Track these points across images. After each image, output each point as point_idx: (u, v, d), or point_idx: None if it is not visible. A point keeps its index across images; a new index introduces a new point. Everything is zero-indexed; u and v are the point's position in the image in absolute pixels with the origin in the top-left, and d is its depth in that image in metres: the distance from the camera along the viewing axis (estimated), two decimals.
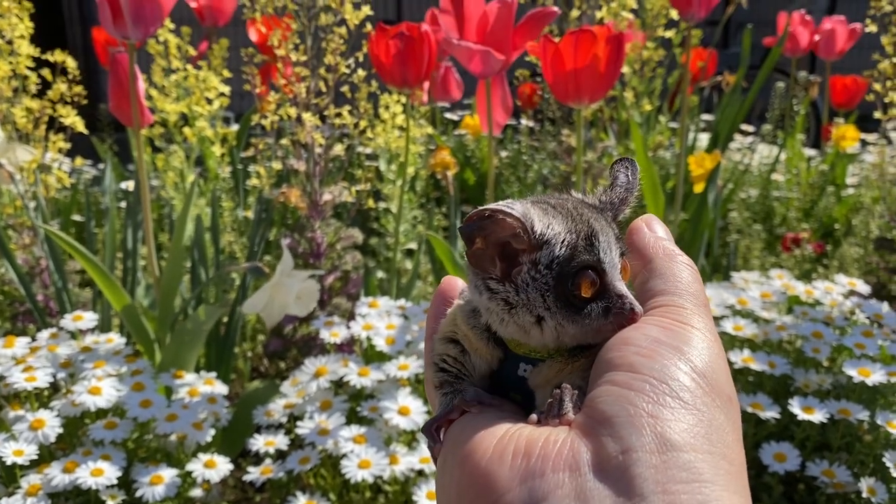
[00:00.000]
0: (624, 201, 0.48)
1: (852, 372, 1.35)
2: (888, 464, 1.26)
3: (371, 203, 2.03)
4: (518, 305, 0.43)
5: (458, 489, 0.38)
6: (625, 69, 2.50)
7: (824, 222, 2.79)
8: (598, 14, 2.11)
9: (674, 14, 2.32)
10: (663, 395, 0.36)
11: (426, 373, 0.48)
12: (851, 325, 1.56)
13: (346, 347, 1.65)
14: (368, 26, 1.69)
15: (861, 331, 1.48)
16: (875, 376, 1.34)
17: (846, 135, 3.03)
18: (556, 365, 0.43)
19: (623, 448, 0.34)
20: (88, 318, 1.51)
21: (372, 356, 1.50)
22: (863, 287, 1.71)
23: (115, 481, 1.19)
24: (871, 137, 3.37)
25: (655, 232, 0.47)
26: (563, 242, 0.43)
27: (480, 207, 0.43)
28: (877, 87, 2.07)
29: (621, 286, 0.42)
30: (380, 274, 2.12)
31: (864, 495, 1.25)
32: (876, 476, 1.30)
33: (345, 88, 1.81)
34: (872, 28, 2.12)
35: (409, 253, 2.49)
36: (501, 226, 0.43)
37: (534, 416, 0.40)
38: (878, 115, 2.09)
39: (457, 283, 0.50)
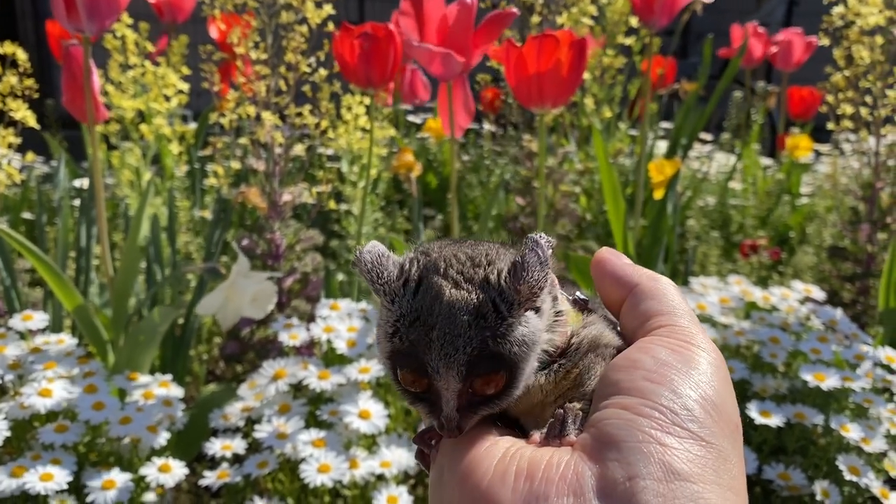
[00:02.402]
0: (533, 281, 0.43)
1: (808, 377, 1.37)
2: (841, 466, 1.28)
3: (332, 205, 2.01)
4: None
5: None
6: (585, 76, 2.52)
7: (779, 230, 2.85)
8: (559, 20, 2.12)
9: (633, 22, 2.34)
10: (672, 424, 0.35)
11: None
12: (807, 330, 1.59)
13: (306, 350, 1.63)
14: (330, 25, 1.68)
15: (816, 336, 1.50)
16: (829, 381, 1.36)
17: (800, 144, 3.09)
18: (538, 394, 0.42)
19: (630, 475, 0.34)
20: (38, 319, 1.46)
21: (332, 359, 1.48)
22: (818, 293, 1.75)
23: (66, 486, 1.15)
24: (825, 148, 3.45)
25: (622, 259, 0.46)
26: (402, 318, 0.40)
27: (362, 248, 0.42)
28: (829, 98, 2.12)
29: (448, 396, 0.39)
30: (340, 276, 2.09)
31: (819, 498, 1.27)
32: (829, 479, 1.32)
33: (306, 88, 1.79)
34: (825, 41, 2.17)
35: None
36: (360, 269, 0.41)
37: (535, 436, 0.39)
38: (831, 126, 2.14)
39: None
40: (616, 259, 0.46)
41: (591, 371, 0.42)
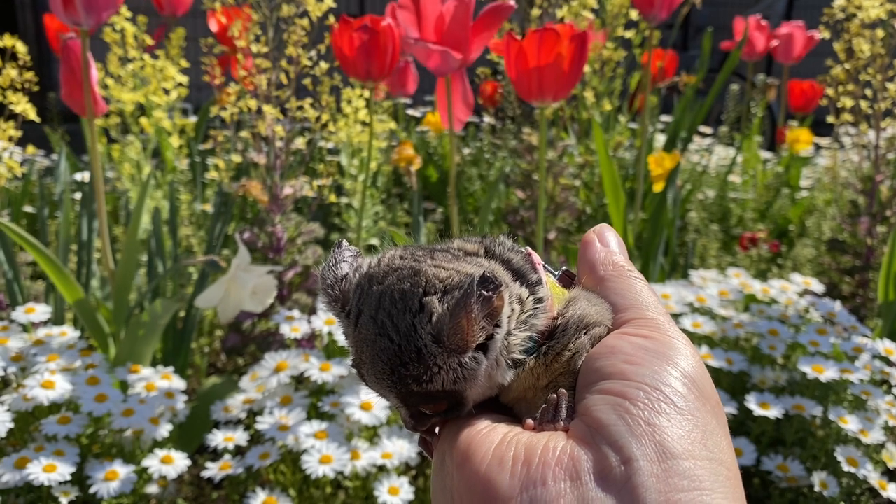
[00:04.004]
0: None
1: (807, 369, 1.38)
2: (839, 458, 1.29)
3: (333, 198, 2.01)
4: None
5: (458, 493, 0.37)
6: (585, 69, 2.52)
7: (779, 223, 2.85)
8: (559, 13, 2.12)
9: (633, 15, 2.34)
10: (658, 401, 0.36)
11: None
12: (806, 323, 1.59)
13: (307, 343, 1.64)
14: (331, 18, 1.68)
15: (815, 329, 1.51)
16: (828, 373, 1.37)
17: (800, 138, 3.09)
18: (529, 378, 0.42)
19: (624, 458, 0.34)
20: (41, 311, 1.47)
21: (333, 351, 1.49)
22: (817, 286, 1.75)
23: (69, 477, 1.16)
24: (824, 141, 3.46)
25: (608, 245, 0.46)
26: (347, 343, 0.42)
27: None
28: (830, 92, 2.12)
29: (400, 408, 0.42)
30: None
31: (817, 489, 1.28)
32: (828, 470, 1.33)
33: (306, 81, 1.79)
34: (826, 34, 2.17)
35: (371, 248, 2.47)
36: (319, 287, 0.43)
37: (529, 422, 0.39)
38: (831, 119, 2.14)
39: None
40: (596, 245, 0.46)
41: (582, 354, 0.42)
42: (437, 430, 0.43)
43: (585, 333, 0.42)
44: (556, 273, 0.47)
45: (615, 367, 0.38)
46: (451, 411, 0.41)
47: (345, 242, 0.44)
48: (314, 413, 1.38)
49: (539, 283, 0.42)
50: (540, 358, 0.42)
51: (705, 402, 0.37)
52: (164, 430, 1.32)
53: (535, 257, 0.44)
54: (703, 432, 0.36)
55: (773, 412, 1.34)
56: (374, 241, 2.36)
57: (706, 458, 0.35)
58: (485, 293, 0.37)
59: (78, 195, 2.42)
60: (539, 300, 0.42)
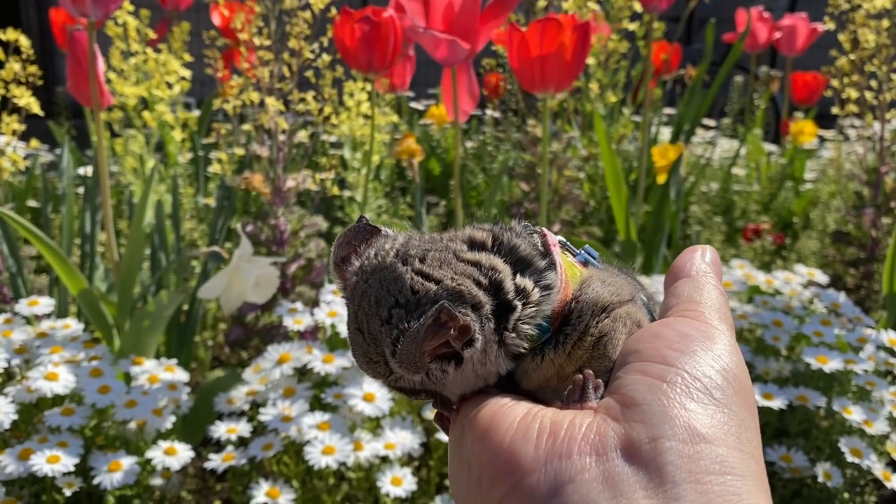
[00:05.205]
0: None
1: (810, 359, 1.37)
2: (843, 449, 1.28)
3: (336, 191, 2.01)
4: None
5: (479, 465, 0.37)
6: (589, 61, 2.51)
7: (783, 216, 2.84)
8: (564, 4, 2.11)
9: (637, 6, 2.33)
10: (696, 390, 0.35)
11: None
12: (810, 314, 1.59)
13: (310, 335, 1.64)
14: (333, 11, 1.68)
15: (819, 319, 1.51)
16: (832, 364, 1.36)
17: (804, 130, 3.08)
18: (551, 367, 0.41)
19: (653, 435, 0.34)
20: (44, 304, 1.47)
21: (336, 343, 1.49)
22: (821, 277, 1.75)
23: (72, 468, 1.16)
24: (828, 133, 3.44)
25: (705, 258, 0.45)
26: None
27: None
28: (834, 83, 2.11)
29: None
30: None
31: (820, 480, 1.27)
32: (832, 461, 1.33)
33: (309, 73, 1.79)
34: (830, 25, 2.16)
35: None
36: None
37: (556, 404, 0.39)
38: (835, 110, 2.13)
39: None
40: (695, 253, 0.45)
41: (612, 338, 0.41)
42: (454, 405, 0.42)
43: (607, 316, 0.41)
44: (579, 252, 0.45)
45: (657, 351, 0.38)
46: (437, 402, 0.41)
47: (364, 219, 0.44)
48: (317, 404, 1.38)
49: (549, 268, 0.41)
50: (560, 347, 0.41)
51: (743, 398, 0.37)
52: (168, 421, 1.32)
53: (552, 238, 0.43)
54: (737, 426, 0.35)
55: (777, 403, 1.34)
56: None
57: (738, 449, 0.34)
58: (441, 324, 0.37)
59: (81, 190, 2.42)
60: (547, 287, 0.41)
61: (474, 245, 0.42)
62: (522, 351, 0.41)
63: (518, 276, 0.41)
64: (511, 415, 0.37)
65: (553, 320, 0.41)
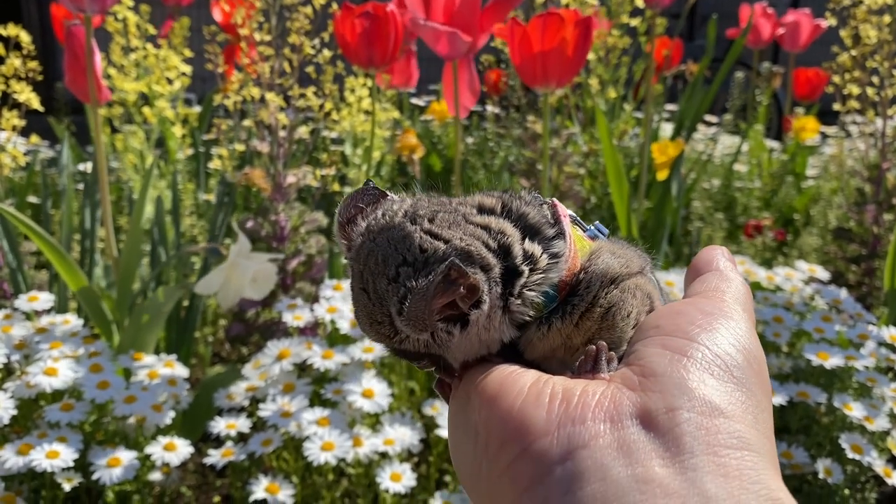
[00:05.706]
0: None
1: (811, 356, 1.37)
2: (844, 445, 1.28)
3: (336, 187, 2.01)
4: None
5: (486, 430, 0.36)
6: (590, 56, 2.50)
7: (784, 212, 2.84)
8: (564, 0, 2.11)
9: (639, 2, 2.33)
10: (717, 367, 0.35)
11: None
12: (811, 310, 1.58)
13: (310, 331, 1.63)
14: (334, 6, 1.67)
15: (820, 316, 1.50)
16: (833, 360, 1.36)
17: (806, 126, 3.07)
18: (558, 337, 0.41)
19: (670, 406, 0.33)
20: (44, 299, 1.47)
21: (336, 339, 1.49)
22: (822, 273, 1.74)
23: (72, 464, 1.16)
24: (830, 130, 3.44)
25: (726, 256, 0.45)
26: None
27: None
28: (836, 79, 2.10)
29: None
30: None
31: (821, 476, 1.27)
32: (832, 457, 1.33)
33: (310, 69, 1.78)
34: (832, 21, 2.15)
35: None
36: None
37: (567, 374, 0.38)
38: (837, 107, 2.12)
39: None
40: (717, 251, 0.45)
41: (621, 310, 0.40)
42: (457, 373, 0.41)
43: (616, 287, 0.41)
44: (588, 227, 0.45)
45: (679, 326, 0.37)
46: (439, 368, 0.41)
47: (371, 183, 0.44)
48: (316, 400, 1.38)
49: (557, 236, 0.41)
50: (567, 317, 0.40)
51: (762, 381, 0.36)
52: (168, 417, 1.32)
53: (562, 209, 0.43)
54: (755, 406, 0.35)
55: (778, 399, 1.34)
56: None
57: (755, 428, 0.34)
58: (451, 281, 0.37)
59: (81, 186, 2.42)
60: (555, 255, 0.40)
61: (483, 210, 0.42)
62: (528, 318, 0.40)
63: (527, 241, 0.40)
64: (521, 381, 0.37)
65: (560, 290, 0.41)
